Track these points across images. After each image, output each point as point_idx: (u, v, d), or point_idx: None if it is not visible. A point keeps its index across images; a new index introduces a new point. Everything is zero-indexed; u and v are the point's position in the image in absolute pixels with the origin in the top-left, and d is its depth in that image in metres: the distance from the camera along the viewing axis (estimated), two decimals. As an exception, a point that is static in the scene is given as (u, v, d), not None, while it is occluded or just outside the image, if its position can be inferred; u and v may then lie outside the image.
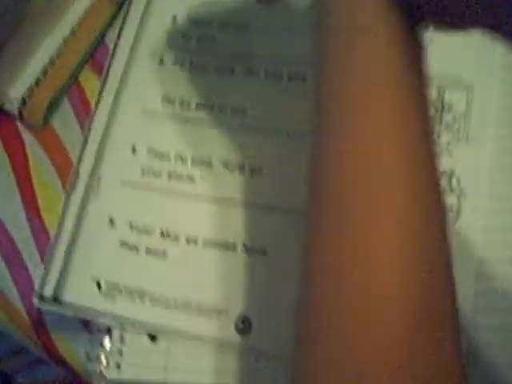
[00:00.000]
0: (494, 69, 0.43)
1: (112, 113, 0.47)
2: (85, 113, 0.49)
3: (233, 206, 0.43)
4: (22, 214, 0.47)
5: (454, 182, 0.40)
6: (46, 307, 0.43)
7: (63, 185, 0.48)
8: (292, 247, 0.40)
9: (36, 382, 0.54)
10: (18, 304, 0.46)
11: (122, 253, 0.43)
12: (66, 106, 0.50)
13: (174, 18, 0.50)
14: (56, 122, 0.50)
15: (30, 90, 0.49)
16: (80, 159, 0.46)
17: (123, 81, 0.48)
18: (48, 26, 0.50)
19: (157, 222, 0.43)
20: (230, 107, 0.46)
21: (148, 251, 0.43)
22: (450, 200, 0.40)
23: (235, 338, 0.40)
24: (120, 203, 0.44)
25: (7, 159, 0.49)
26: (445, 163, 0.41)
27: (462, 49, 0.43)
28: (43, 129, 0.49)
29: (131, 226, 0.44)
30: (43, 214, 0.47)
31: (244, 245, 0.42)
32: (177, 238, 0.43)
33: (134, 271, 0.43)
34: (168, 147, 0.45)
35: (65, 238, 0.44)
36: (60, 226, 0.45)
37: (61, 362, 0.45)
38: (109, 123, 0.47)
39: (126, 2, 0.51)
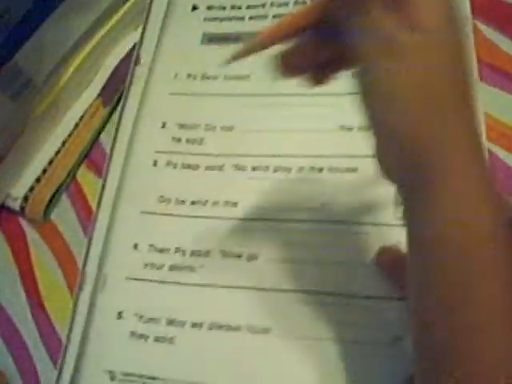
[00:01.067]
0: None
1: (113, 214, 0.50)
2: (83, 207, 0.54)
3: (233, 290, 0.46)
4: (26, 305, 0.50)
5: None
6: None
7: (64, 275, 0.51)
8: (295, 324, 0.44)
9: None
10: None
11: (132, 343, 0.46)
12: (64, 202, 0.54)
13: (164, 124, 0.54)
14: (56, 217, 0.53)
15: (31, 188, 0.53)
16: (86, 259, 0.49)
17: (121, 183, 0.52)
18: (47, 130, 0.56)
19: (163, 311, 0.46)
20: (223, 202, 0.49)
21: (156, 339, 0.46)
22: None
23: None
24: (126, 297, 0.47)
25: (10, 252, 0.52)
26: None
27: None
28: (44, 223, 0.53)
29: (139, 317, 0.47)
30: (45, 303, 0.50)
31: (248, 325, 0.45)
32: (183, 325, 0.46)
33: (144, 359, 0.45)
34: (168, 243, 0.49)
35: (76, 336, 0.46)
36: (70, 325, 0.47)
37: None
38: (110, 224, 0.50)
39: (119, 108, 0.55)
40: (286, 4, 0.57)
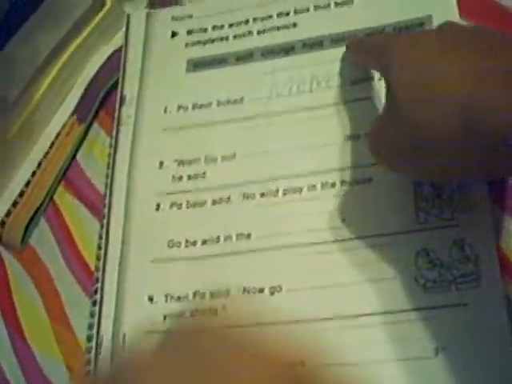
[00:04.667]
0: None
1: (121, 268, 0.48)
2: (61, 230, 0.52)
3: (259, 327, 0.43)
4: (5, 335, 0.49)
5: (468, 249, 0.42)
6: None
7: (44, 302, 0.50)
8: (331, 351, 0.41)
9: None
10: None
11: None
12: (43, 225, 0.53)
13: (161, 163, 0.51)
14: (34, 241, 0.52)
15: (8, 213, 0.52)
16: (99, 319, 0.47)
17: (125, 233, 0.49)
18: (22, 151, 0.54)
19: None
20: (236, 235, 0.47)
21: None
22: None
23: None
24: None
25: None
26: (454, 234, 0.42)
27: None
28: (22, 248, 0.52)
29: None
30: (26, 333, 0.49)
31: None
32: None
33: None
34: (185, 289, 0.46)
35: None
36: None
37: None
38: (120, 276, 0.48)
39: (111, 152, 0.53)
40: (270, 17, 0.54)
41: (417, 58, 0.35)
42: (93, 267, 0.49)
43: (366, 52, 0.45)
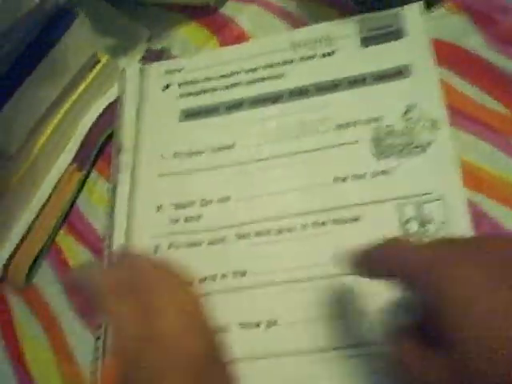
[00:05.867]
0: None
1: None
2: (64, 270, 0.55)
3: (255, 361, 0.46)
4: (11, 374, 0.51)
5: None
6: None
7: (49, 340, 0.52)
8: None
9: None
10: None
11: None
12: (46, 267, 0.55)
13: (159, 207, 0.54)
14: (38, 281, 0.54)
15: (12, 256, 0.54)
16: (103, 352, 0.48)
17: None
18: (24, 198, 0.56)
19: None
20: (232, 273, 0.49)
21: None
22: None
23: None
24: None
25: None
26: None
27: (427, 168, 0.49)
28: (26, 288, 0.54)
29: None
30: (31, 371, 0.51)
31: None
32: None
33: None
34: None
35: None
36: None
37: None
38: None
39: (110, 197, 0.55)
40: (257, 69, 0.57)
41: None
42: (97, 303, 0.51)
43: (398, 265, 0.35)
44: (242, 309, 0.48)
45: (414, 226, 0.46)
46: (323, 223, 0.49)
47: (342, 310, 0.45)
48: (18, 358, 0.51)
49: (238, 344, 0.45)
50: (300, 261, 0.48)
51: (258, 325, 0.47)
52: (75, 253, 0.55)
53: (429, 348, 0.31)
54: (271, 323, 0.46)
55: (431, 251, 0.33)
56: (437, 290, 0.30)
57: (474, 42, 0.54)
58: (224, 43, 0.63)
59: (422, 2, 0.55)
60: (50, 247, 0.56)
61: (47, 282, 0.54)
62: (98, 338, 0.49)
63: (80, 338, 0.51)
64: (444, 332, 0.30)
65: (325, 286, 0.46)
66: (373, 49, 0.55)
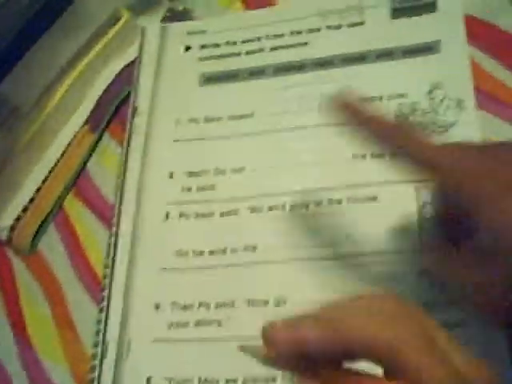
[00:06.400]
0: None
1: (129, 274, 0.49)
2: (70, 237, 0.53)
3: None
4: (10, 338, 0.50)
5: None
6: None
7: (51, 308, 0.51)
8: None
9: None
10: None
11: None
12: (52, 232, 0.53)
13: (172, 174, 0.52)
14: (43, 247, 0.53)
15: (18, 218, 0.52)
16: (106, 325, 0.47)
17: (134, 241, 0.50)
18: (34, 159, 0.55)
19: (194, 371, 0.44)
20: (242, 247, 0.48)
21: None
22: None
23: None
24: (154, 361, 0.45)
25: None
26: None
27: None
28: (31, 254, 0.52)
29: (169, 381, 0.45)
30: (31, 338, 0.50)
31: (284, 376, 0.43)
32: (217, 382, 0.44)
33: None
34: (190, 298, 0.47)
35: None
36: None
37: None
38: (128, 283, 0.48)
39: (123, 160, 0.54)
40: (282, 36, 0.55)
41: None
42: (101, 275, 0.50)
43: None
44: (250, 285, 0.46)
45: (430, 211, 0.44)
46: (339, 201, 0.47)
47: (353, 291, 0.44)
48: (19, 325, 0.50)
49: (244, 322, 0.44)
50: (313, 239, 0.47)
51: (266, 303, 0.45)
52: (83, 220, 0.53)
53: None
54: (280, 301, 0.45)
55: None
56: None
57: (511, 21, 0.51)
58: (250, 7, 0.60)
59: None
60: (57, 212, 0.55)
61: (53, 249, 0.53)
62: (101, 310, 0.48)
63: (83, 309, 0.50)
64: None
65: (337, 267, 0.45)
66: (403, 21, 0.53)
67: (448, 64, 0.50)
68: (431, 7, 0.52)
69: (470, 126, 0.47)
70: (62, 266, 0.52)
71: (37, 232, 0.53)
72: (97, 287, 0.50)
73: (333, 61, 0.53)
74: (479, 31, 0.51)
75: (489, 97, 0.49)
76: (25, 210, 0.53)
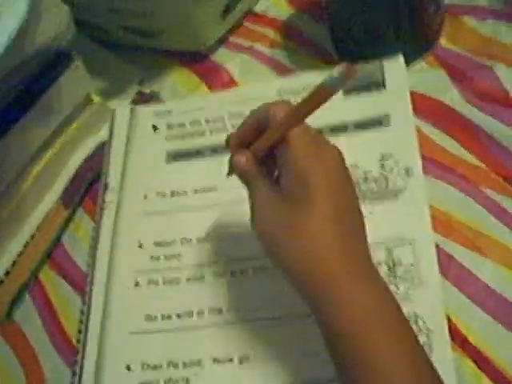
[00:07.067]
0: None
1: (101, 338, 0.51)
2: (45, 307, 0.55)
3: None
4: None
5: (421, 322, 0.45)
6: None
7: (24, 373, 0.52)
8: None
9: None
10: None
11: None
12: (27, 301, 0.56)
13: (141, 244, 0.55)
14: (18, 317, 0.55)
15: None
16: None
17: (106, 307, 0.52)
18: (10, 234, 0.57)
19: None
20: (208, 310, 0.50)
21: None
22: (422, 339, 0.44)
23: None
24: None
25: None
26: (408, 309, 0.45)
27: (399, 214, 0.50)
28: (6, 324, 0.54)
29: None
30: None
31: None
32: None
33: None
34: (160, 359, 0.49)
35: None
36: None
37: None
38: (100, 348, 0.50)
39: (94, 233, 0.57)
40: (243, 114, 0.58)
41: None
42: (74, 340, 0.52)
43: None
44: (215, 345, 0.49)
45: (383, 269, 0.47)
46: None
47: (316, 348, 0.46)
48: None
49: (210, 379, 0.47)
50: (274, 299, 0.49)
51: (231, 360, 0.47)
52: (57, 288, 0.56)
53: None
54: (243, 359, 0.47)
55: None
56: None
57: (452, 96, 0.57)
58: (212, 89, 0.65)
59: (402, 56, 0.56)
60: (33, 282, 0.57)
61: (28, 318, 0.55)
62: (74, 374, 0.50)
63: (57, 374, 0.52)
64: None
65: (295, 325, 0.48)
66: (355, 98, 0.57)
67: (397, 135, 0.54)
68: (380, 85, 0.57)
69: (418, 190, 0.51)
70: (36, 334, 0.54)
71: (12, 301, 0.55)
72: (71, 352, 0.52)
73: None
74: (424, 105, 0.56)
75: (434, 163, 0.53)
76: (1, 282, 0.55)
